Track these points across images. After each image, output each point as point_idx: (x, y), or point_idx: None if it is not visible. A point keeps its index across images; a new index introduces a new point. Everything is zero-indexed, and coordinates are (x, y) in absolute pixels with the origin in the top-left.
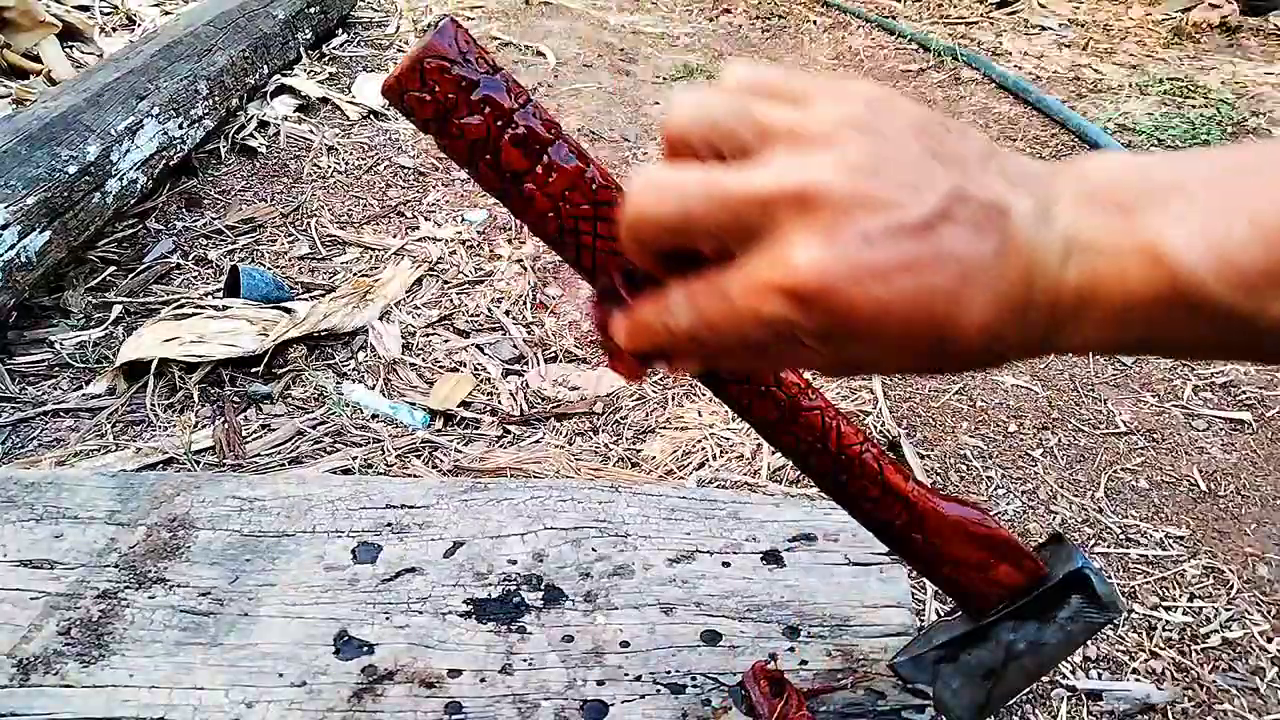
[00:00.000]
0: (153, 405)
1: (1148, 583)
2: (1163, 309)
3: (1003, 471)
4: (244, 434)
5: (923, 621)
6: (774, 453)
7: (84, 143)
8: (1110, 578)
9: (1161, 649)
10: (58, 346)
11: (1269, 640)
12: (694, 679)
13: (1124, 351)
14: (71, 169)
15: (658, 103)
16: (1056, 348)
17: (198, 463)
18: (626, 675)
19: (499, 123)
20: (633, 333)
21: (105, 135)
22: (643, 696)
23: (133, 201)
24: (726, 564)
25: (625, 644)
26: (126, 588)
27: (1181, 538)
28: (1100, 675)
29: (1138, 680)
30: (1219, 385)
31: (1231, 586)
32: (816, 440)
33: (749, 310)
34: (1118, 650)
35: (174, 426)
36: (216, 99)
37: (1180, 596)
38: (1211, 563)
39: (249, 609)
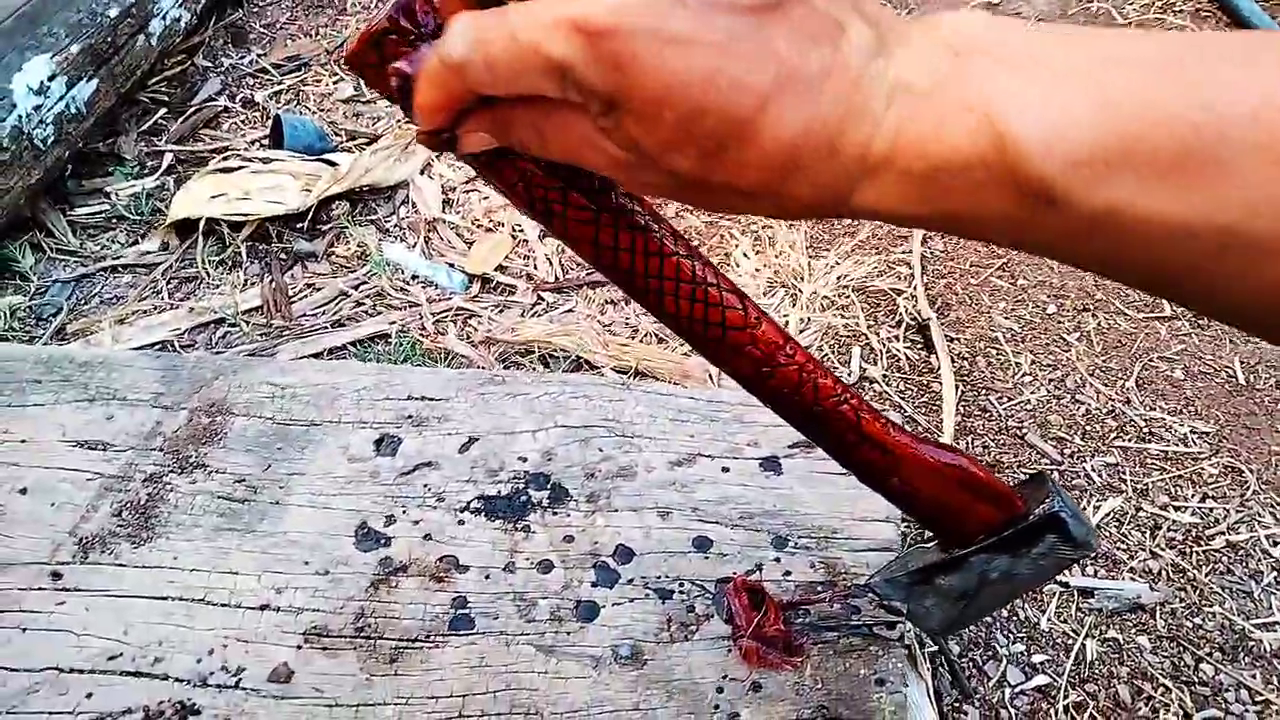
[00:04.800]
0: (204, 262)
1: (1162, 480)
2: (977, 176)
3: (1033, 357)
4: (290, 294)
5: (909, 532)
6: (802, 331)
7: None
8: (1088, 513)
9: (1162, 549)
10: (114, 197)
11: (1274, 544)
12: (682, 585)
13: (922, 224)
14: (113, 11)
15: None
16: (853, 207)
17: (247, 322)
18: (619, 578)
19: None
20: (423, 78)
21: None
22: (632, 600)
23: (178, 40)
24: (725, 469)
25: (621, 547)
26: (170, 472)
27: (1206, 433)
28: (1096, 573)
29: (1133, 579)
30: None
31: (1248, 487)
32: (793, 393)
33: (531, 46)
34: (1119, 549)
35: (224, 284)
36: None
37: (1192, 496)
38: (1232, 461)
39: (280, 497)
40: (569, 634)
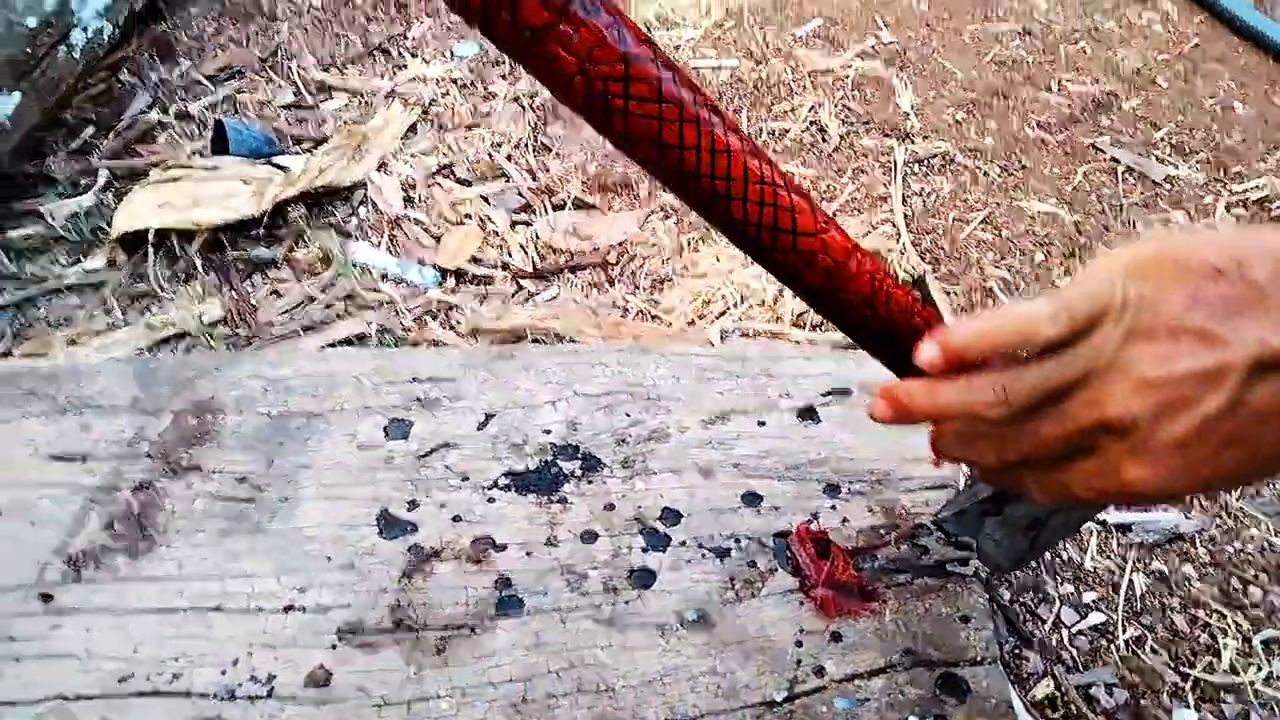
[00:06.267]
0: (156, 276)
1: None
2: None
3: None
4: (253, 302)
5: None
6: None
7: None
8: None
9: None
10: (49, 219)
11: None
12: (738, 542)
13: None
14: (31, 22)
15: None
16: None
17: (211, 334)
18: (671, 541)
19: None
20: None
21: None
22: (689, 562)
23: (102, 53)
24: (762, 423)
25: (667, 509)
26: (162, 477)
27: None
28: (1130, 506)
29: (1166, 510)
30: (1253, 201)
31: None
32: (864, 306)
33: (1093, 501)
34: None
35: (180, 297)
36: None
37: None
38: None
39: (288, 493)
40: (627, 603)
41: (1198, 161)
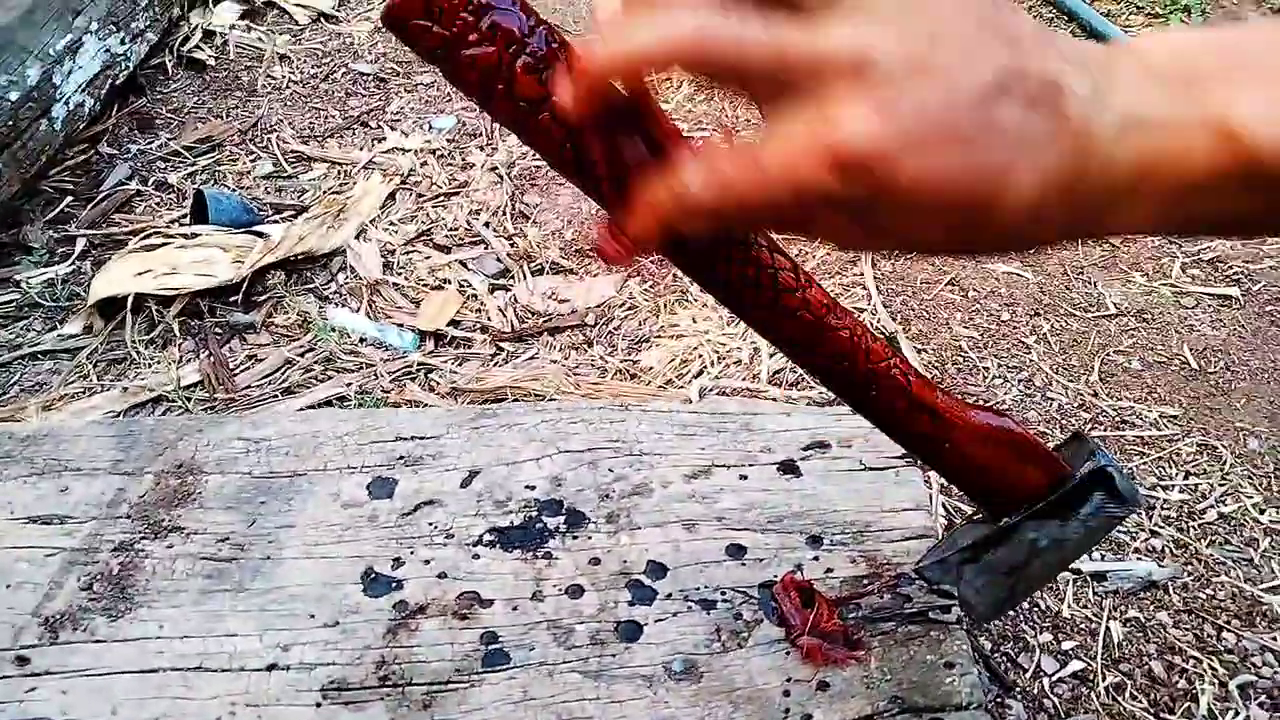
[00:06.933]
0: (133, 342)
1: (1145, 463)
2: (1226, 184)
3: (998, 361)
4: (231, 366)
5: (952, 515)
6: (773, 355)
7: (22, 65)
8: (1131, 472)
9: (1161, 527)
10: (24, 286)
11: (1261, 512)
12: (723, 594)
13: (1172, 231)
14: (13, 96)
15: None
16: (1103, 230)
17: (188, 399)
18: (657, 594)
19: (511, 49)
20: (644, 214)
21: (44, 56)
22: (675, 615)
23: (82, 126)
24: (744, 477)
25: (652, 563)
26: (143, 538)
27: (1175, 416)
28: (1103, 556)
29: (1139, 559)
30: (1206, 261)
31: (1225, 462)
32: (844, 359)
33: (784, 177)
34: (1119, 531)
35: (158, 363)
36: (157, 9)
37: (1176, 475)
38: (1205, 439)
39: (271, 552)
40: (614, 656)
41: None
